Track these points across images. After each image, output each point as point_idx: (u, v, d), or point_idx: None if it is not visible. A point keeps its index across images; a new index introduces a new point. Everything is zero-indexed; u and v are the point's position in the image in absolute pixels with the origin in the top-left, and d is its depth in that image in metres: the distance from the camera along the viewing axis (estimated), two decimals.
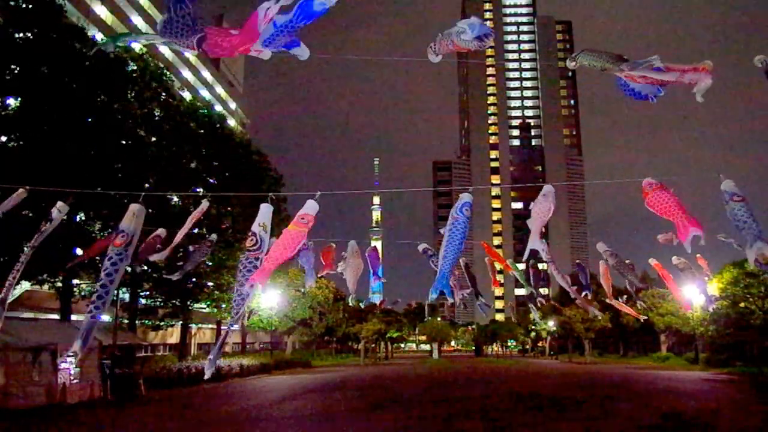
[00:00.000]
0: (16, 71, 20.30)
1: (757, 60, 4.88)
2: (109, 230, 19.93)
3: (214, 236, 9.36)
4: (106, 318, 34.30)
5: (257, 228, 5.64)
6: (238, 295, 5.35)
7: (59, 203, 6.11)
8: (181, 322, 34.30)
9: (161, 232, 8.33)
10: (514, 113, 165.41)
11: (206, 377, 5.31)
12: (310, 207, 5.88)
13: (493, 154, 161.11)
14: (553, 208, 6.88)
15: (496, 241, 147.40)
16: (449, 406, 17.84)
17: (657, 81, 4.66)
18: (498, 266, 14.13)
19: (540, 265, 14.67)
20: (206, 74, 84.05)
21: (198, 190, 30.29)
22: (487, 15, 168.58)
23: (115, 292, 25.53)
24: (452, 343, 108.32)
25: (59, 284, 24.36)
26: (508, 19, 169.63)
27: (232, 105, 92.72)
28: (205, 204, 7.55)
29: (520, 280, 14.89)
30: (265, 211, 5.74)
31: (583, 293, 12.11)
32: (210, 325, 47.37)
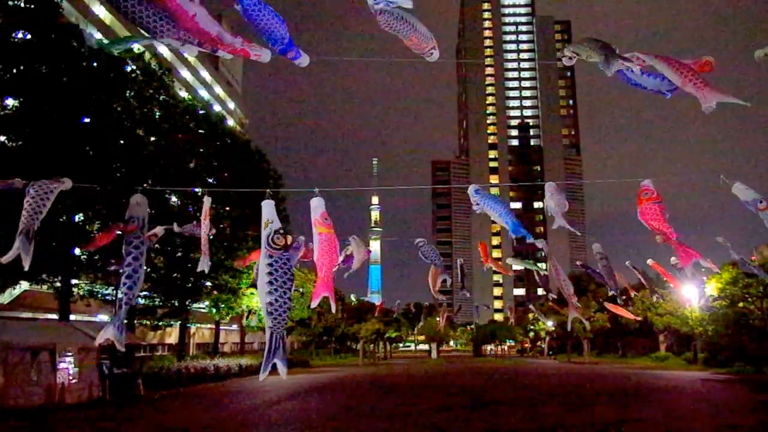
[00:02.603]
0: (14, 71, 20.23)
1: (757, 54, 4.89)
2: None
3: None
4: (104, 317, 34.26)
5: (275, 226, 5.25)
6: (280, 299, 5.01)
7: (63, 179, 6.40)
8: (179, 322, 34.25)
9: (159, 230, 8.33)
10: (512, 113, 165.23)
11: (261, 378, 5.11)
12: (321, 204, 5.84)
13: (492, 153, 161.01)
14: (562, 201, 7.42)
15: (495, 240, 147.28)
16: (449, 414, 17.83)
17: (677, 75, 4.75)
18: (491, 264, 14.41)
19: (541, 265, 14.87)
20: (205, 74, 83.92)
21: (197, 190, 30.19)
22: (486, 15, 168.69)
23: (114, 292, 25.37)
24: (451, 343, 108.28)
25: (58, 284, 24.30)
26: (507, 19, 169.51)
27: (231, 105, 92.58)
28: (207, 201, 7.56)
29: (527, 266, 15.15)
30: (268, 206, 5.39)
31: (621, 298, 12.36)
32: (209, 325, 47.27)
